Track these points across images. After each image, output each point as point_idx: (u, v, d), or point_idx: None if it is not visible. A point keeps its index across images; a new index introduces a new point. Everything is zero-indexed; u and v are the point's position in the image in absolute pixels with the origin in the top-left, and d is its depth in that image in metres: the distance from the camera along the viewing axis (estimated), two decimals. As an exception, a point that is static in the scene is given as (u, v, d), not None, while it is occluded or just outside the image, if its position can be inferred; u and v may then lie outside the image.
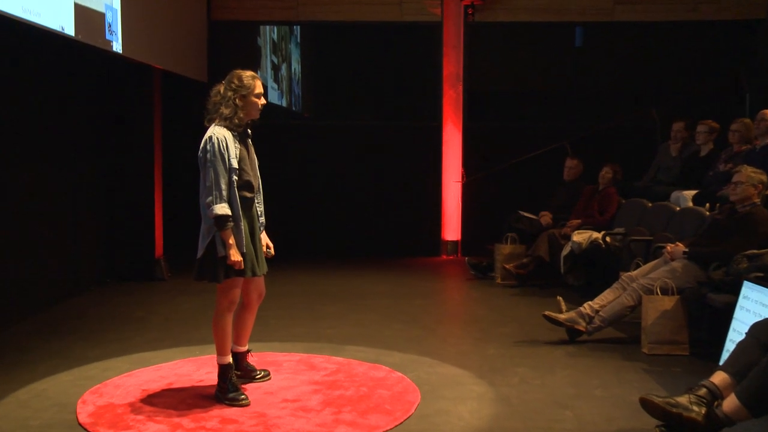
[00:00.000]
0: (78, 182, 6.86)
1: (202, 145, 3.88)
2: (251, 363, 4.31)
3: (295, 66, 11.33)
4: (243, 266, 3.87)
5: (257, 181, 4.07)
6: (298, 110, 11.64)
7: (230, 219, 3.81)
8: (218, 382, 4.02)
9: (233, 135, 3.89)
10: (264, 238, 4.18)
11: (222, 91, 3.95)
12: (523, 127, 9.25)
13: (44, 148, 6.25)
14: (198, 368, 4.55)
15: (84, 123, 7.01)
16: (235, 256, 3.83)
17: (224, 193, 3.81)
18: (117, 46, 5.96)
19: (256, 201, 4.06)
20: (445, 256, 9.18)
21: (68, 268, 6.69)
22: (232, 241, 3.82)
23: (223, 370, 4.00)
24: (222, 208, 3.79)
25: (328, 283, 7.52)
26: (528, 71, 9.76)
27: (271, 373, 4.39)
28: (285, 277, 7.72)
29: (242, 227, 3.88)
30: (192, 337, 5.31)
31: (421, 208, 9.24)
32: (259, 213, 4.11)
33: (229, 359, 4.02)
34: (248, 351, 4.31)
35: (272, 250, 4.22)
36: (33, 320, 5.79)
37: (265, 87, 9.78)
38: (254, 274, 3.98)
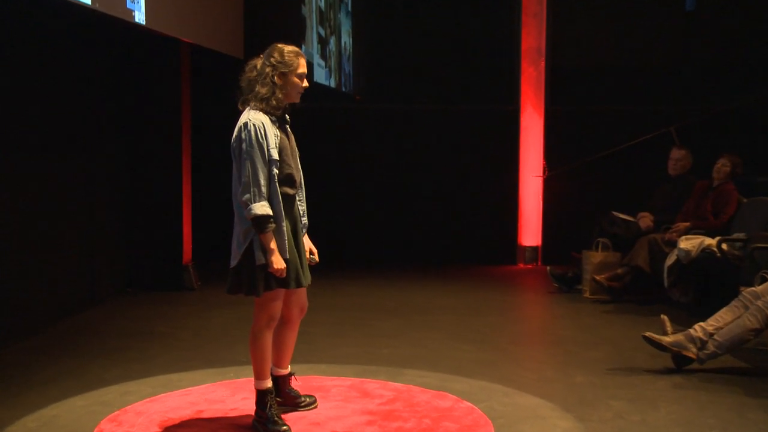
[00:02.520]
0: (94, 176, 6.99)
1: (236, 132, 3.88)
2: (294, 388, 4.31)
3: (346, 39, 11.35)
4: (286, 275, 3.86)
5: (299, 175, 4.05)
6: (348, 91, 11.66)
7: (271, 220, 3.80)
8: (256, 411, 4.02)
9: (271, 120, 3.89)
10: (306, 242, 4.16)
11: (259, 67, 3.95)
12: (619, 111, 9.11)
13: (56, 137, 6.38)
14: (232, 393, 4.57)
15: (101, 109, 7.14)
16: (278, 263, 3.81)
17: (264, 189, 3.80)
18: (140, 17, 6.04)
19: (297, 198, 4.06)
20: (522, 265, 9.14)
21: (82, 276, 6.82)
22: (273, 245, 3.81)
23: (262, 396, 4.00)
24: (262, 207, 3.78)
25: (384, 295, 7.51)
26: (625, 43, 9.60)
27: (317, 400, 4.37)
28: (332, 288, 7.72)
29: (284, 229, 3.87)
30: (225, 357, 5.34)
31: (494, 208, 9.19)
32: (301, 212, 4.10)
33: (269, 383, 4.02)
34: (291, 374, 4.30)
35: (316, 257, 4.20)
36: (42, 336, 5.90)
37: (310, 65, 9.84)
38: (298, 285, 3.97)
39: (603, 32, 9.63)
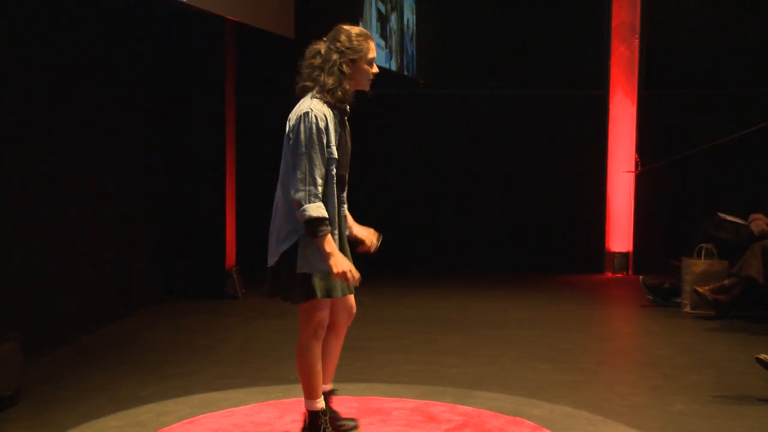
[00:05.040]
0: (129, 171, 7.13)
1: (293, 122, 3.89)
2: (334, 408, 4.29)
3: (409, 16, 11.36)
4: (332, 282, 3.89)
5: (347, 175, 4.08)
6: (411, 75, 11.66)
7: (327, 222, 3.83)
8: None
9: (334, 113, 3.91)
10: (360, 229, 4.15)
11: (324, 53, 3.96)
12: (725, 96, 9.00)
13: (89, 133, 6.50)
14: (281, 415, 4.61)
15: (137, 101, 7.27)
16: (341, 265, 3.82)
17: (320, 189, 3.82)
18: (180, -7, 6.13)
19: (343, 200, 4.08)
20: (610, 274, 9.08)
21: (116, 282, 6.95)
22: (331, 248, 3.82)
23: (314, 417, 4.03)
24: (317, 209, 3.79)
25: (451, 306, 7.51)
26: (733, 17, 9.43)
27: (378, 424, 4.38)
28: (393, 297, 7.74)
29: (336, 234, 3.91)
30: (272, 374, 5.39)
31: (579, 208, 9.13)
32: (344, 215, 4.10)
33: (322, 403, 4.04)
34: (332, 391, 4.31)
35: (375, 239, 4.16)
36: (71, 348, 6.03)
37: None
38: (344, 293, 4.00)
39: (707, 4, 9.47)
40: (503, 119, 9.29)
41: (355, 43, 3.93)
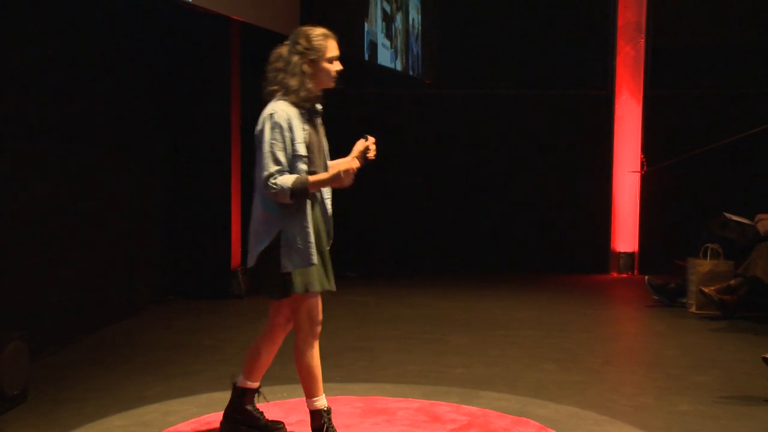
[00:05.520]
0: (133, 170, 7.14)
1: (259, 125, 4.02)
2: (259, 408, 4.32)
3: (414, 16, 11.37)
4: (310, 277, 3.93)
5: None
6: (416, 75, 11.69)
7: (302, 180, 3.87)
8: None
9: (300, 113, 3.98)
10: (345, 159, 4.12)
11: (285, 55, 4.04)
12: (731, 96, 9.00)
13: (94, 133, 6.52)
14: (286, 415, 4.62)
15: (142, 101, 7.28)
16: (340, 167, 3.90)
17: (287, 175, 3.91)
18: (185, -7, 6.15)
19: (324, 198, 4.13)
20: (615, 274, 9.09)
21: (120, 282, 6.97)
22: (321, 177, 3.92)
23: (317, 416, 4.05)
24: (287, 180, 3.86)
25: (456, 306, 7.52)
26: (740, 17, 9.43)
27: (383, 424, 4.39)
28: (398, 297, 7.74)
29: (310, 229, 3.94)
30: (278, 374, 5.39)
31: (584, 208, 9.14)
32: (327, 215, 4.15)
33: (325, 402, 4.06)
34: (258, 391, 4.33)
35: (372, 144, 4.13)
36: (76, 348, 6.04)
37: (373, 45, 9.89)
38: (326, 286, 4.04)
39: (713, 3, 9.46)
40: (508, 119, 9.29)
41: (314, 42, 4.00)
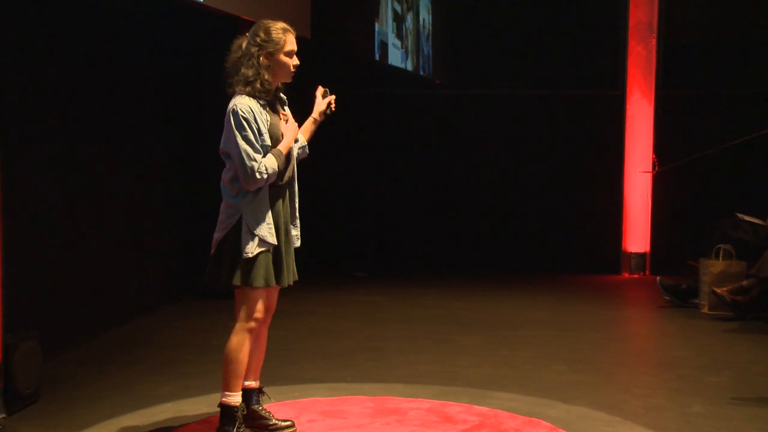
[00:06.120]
0: (146, 171, 7.17)
1: (226, 123, 4.10)
2: (267, 408, 4.36)
3: (425, 16, 11.38)
4: (265, 271, 4.02)
5: (291, 165, 4.19)
6: (427, 75, 11.69)
7: (280, 153, 4.03)
8: (219, 429, 4.13)
9: (260, 104, 4.05)
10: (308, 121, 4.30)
11: (244, 47, 4.13)
12: (744, 96, 8.97)
13: (105, 131, 6.54)
14: (297, 414, 4.63)
15: (153, 98, 7.30)
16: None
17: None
18: (196, -7, 6.18)
19: (288, 192, 4.18)
20: (627, 274, 9.07)
21: (133, 280, 6.99)
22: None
23: (230, 411, 4.18)
24: (269, 160, 3.99)
25: (466, 306, 7.52)
26: (752, 16, 9.40)
27: (394, 424, 4.40)
28: (408, 297, 7.74)
29: (271, 221, 4.02)
30: (289, 374, 5.41)
31: (595, 209, 9.13)
32: (291, 209, 4.21)
33: (239, 399, 4.14)
34: (261, 390, 4.39)
35: (322, 97, 4.29)
36: (89, 347, 6.06)
37: (384, 45, 9.91)
38: (279, 282, 4.11)
39: (725, 3, 9.45)
40: (520, 119, 9.29)
41: (273, 35, 4.08)
